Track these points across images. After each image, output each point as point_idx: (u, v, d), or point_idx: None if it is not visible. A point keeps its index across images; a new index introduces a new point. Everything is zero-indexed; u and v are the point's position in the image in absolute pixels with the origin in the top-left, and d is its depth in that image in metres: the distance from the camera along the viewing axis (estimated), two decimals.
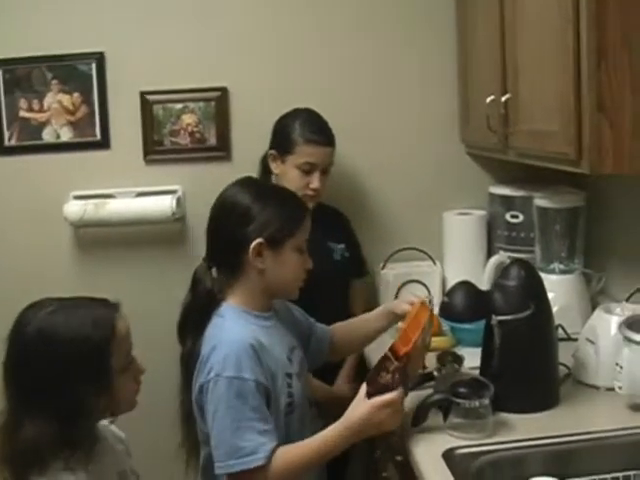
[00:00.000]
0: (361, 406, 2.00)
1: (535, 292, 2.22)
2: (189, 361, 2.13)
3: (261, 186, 2.34)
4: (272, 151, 2.92)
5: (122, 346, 1.86)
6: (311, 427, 2.17)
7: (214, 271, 2.16)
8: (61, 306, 1.84)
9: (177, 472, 2.25)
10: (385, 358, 2.05)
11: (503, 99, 2.62)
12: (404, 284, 3.15)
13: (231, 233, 2.11)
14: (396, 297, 3.11)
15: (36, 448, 1.73)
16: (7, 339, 1.82)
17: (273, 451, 1.94)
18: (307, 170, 2.82)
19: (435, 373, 2.36)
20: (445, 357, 2.40)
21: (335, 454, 2.03)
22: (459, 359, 2.42)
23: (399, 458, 2.28)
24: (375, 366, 2.06)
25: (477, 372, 2.32)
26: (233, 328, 2.06)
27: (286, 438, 2.03)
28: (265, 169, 2.97)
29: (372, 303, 3.17)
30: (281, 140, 2.90)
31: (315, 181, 2.81)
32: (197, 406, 2.07)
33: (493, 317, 2.18)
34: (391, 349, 2.07)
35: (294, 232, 2.11)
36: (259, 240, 2.06)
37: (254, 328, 2.08)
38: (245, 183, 2.24)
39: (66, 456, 1.74)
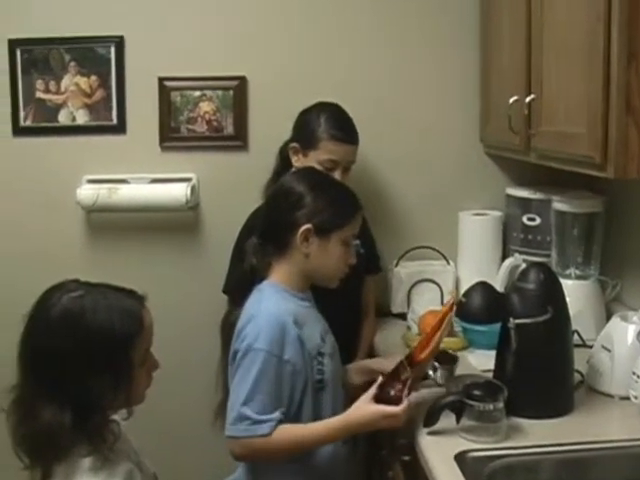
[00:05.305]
0: (364, 409, 2.09)
1: (554, 296, 2.19)
2: (226, 329, 2.29)
3: (319, 177, 2.43)
4: (294, 144, 2.87)
5: (146, 340, 1.83)
6: (343, 408, 2.23)
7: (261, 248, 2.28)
8: (88, 291, 1.78)
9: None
10: (400, 365, 2.12)
11: (527, 100, 2.57)
12: (417, 283, 3.13)
13: (283, 215, 2.23)
14: (408, 295, 3.11)
15: (51, 436, 1.68)
16: (28, 319, 1.76)
17: (277, 425, 2.05)
18: (329, 167, 2.77)
19: (430, 373, 2.35)
20: (439, 357, 2.37)
21: (332, 442, 2.15)
22: (453, 359, 2.41)
23: (406, 458, 2.25)
24: (390, 372, 2.13)
25: (490, 375, 2.29)
26: (271, 301, 2.18)
27: (314, 414, 2.17)
28: (284, 161, 2.93)
29: (384, 300, 3.16)
30: (304, 134, 2.85)
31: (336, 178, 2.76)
32: (230, 369, 2.18)
33: (510, 320, 2.14)
34: (408, 357, 2.16)
35: (343, 225, 2.23)
36: (307, 226, 2.18)
37: (291, 305, 2.20)
38: (304, 172, 2.49)
39: (86, 443, 1.70)
